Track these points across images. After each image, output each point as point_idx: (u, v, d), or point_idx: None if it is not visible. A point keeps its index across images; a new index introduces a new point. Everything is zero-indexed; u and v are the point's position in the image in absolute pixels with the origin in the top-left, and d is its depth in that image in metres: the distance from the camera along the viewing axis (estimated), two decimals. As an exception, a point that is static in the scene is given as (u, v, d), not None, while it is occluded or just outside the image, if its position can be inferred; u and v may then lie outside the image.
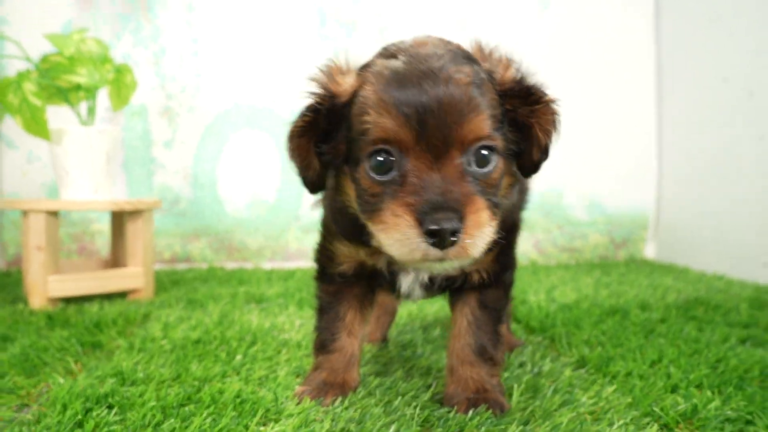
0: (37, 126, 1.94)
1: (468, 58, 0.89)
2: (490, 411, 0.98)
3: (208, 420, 0.95)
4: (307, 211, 2.96)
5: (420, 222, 0.77)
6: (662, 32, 2.99)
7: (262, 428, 0.93)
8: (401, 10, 2.94)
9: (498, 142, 0.85)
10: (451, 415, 0.99)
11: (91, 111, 2.12)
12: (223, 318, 1.71)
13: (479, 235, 0.79)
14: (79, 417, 0.96)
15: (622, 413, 0.98)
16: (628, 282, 2.33)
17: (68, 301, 2.00)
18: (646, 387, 1.09)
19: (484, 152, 0.83)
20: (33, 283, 1.91)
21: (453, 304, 1.11)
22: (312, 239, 2.88)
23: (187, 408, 1.01)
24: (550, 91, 0.93)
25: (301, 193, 2.95)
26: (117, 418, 0.96)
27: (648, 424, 0.95)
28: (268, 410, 1.01)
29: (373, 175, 0.83)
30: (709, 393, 1.05)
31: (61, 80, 2.03)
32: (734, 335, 1.47)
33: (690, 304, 1.85)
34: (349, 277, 1.09)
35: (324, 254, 1.13)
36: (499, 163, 0.85)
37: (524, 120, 0.91)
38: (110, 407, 1.01)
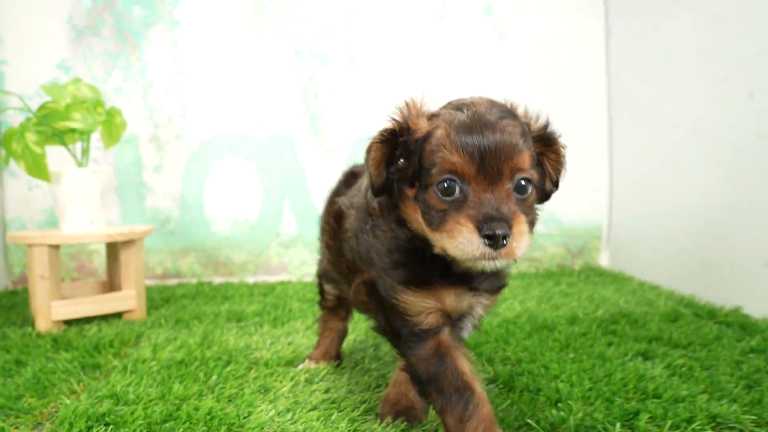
0: (38, 170, 2.20)
1: (512, 113, 1.08)
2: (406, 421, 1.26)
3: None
4: (286, 229, 3.22)
5: (479, 229, 0.96)
6: (611, 57, 3.24)
7: (224, 441, 1.19)
8: (368, 44, 3.19)
9: (534, 175, 1.07)
10: (375, 426, 1.26)
11: (86, 152, 2.38)
12: (205, 338, 1.98)
13: (522, 241, 0.99)
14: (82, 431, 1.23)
15: (499, 426, 1.25)
16: (573, 293, 2.60)
17: (70, 322, 2.26)
18: (534, 400, 1.36)
19: (524, 183, 1.04)
20: (39, 308, 2.17)
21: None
22: (291, 254, 3.17)
23: (168, 424, 1.27)
24: (562, 138, 1.17)
25: (281, 212, 3.22)
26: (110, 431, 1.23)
27: None
28: (232, 424, 1.27)
29: (440, 196, 1.03)
30: (581, 405, 1.32)
31: (58, 125, 2.28)
32: (635, 349, 1.73)
33: (614, 317, 2.12)
34: (438, 326, 1.15)
35: (396, 315, 1.16)
36: (533, 192, 1.07)
37: (542, 159, 1.14)
38: (107, 424, 1.27)
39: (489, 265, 0.99)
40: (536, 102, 3.37)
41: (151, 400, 1.42)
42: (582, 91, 3.27)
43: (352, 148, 3.21)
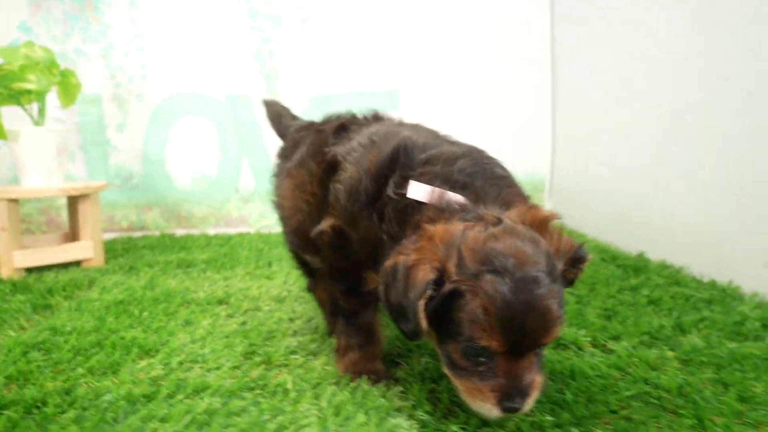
0: (-6, 129, 2.36)
1: (552, 272, 0.95)
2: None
3: (104, 356, 1.42)
4: (244, 184, 3.39)
5: (500, 403, 0.94)
6: (556, 9, 3.35)
7: (135, 364, 1.39)
8: (321, 5, 3.30)
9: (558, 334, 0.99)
10: (271, 348, 1.46)
11: (41, 112, 2.53)
12: (150, 282, 2.17)
13: (535, 395, 0.98)
14: (18, 357, 1.43)
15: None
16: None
17: (32, 270, 2.46)
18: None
19: (541, 349, 0.98)
20: (0, 256, 2.36)
21: None
22: (250, 208, 3.35)
23: (93, 349, 1.48)
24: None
25: (239, 168, 3.39)
26: (43, 357, 1.43)
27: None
28: (149, 350, 1.48)
29: (464, 355, 0.96)
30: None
31: (13, 87, 2.43)
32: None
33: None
34: (373, 293, 1.24)
35: (350, 273, 1.27)
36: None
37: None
38: (40, 350, 1.48)
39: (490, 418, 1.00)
40: (478, 53, 3.36)
41: (85, 332, 1.62)
42: (526, 44, 3.36)
43: (308, 106, 3.35)
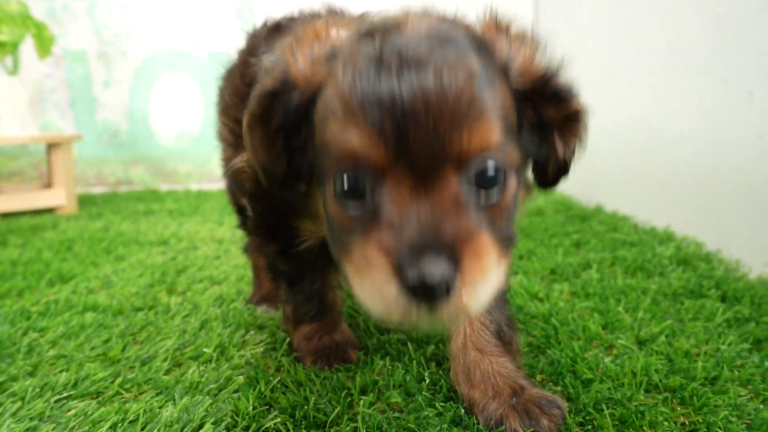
0: (-35, 78, 2.45)
1: (475, 41, 0.63)
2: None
3: (20, 281, 1.49)
4: (227, 140, 3.44)
5: (399, 271, 0.55)
6: (540, 15, 3.27)
7: (47, 290, 1.46)
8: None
9: (511, 156, 0.62)
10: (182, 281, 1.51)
11: (15, 63, 2.61)
12: (105, 226, 2.25)
13: (482, 286, 0.57)
14: (-58, 281, 1.51)
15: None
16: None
17: (8, 216, 2.56)
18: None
19: (491, 171, 0.60)
20: (-25, 201, 2.47)
21: None
22: (229, 164, 3.40)
23: (17, 276, 1.55)
24: (580, 93, 0.72)
25: (221, 124, 3.43)
26: (-35, 281, 1.52)
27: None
28: (73, 277, 1.54)
29: (340, 201, 0.62)
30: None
31: (-13, 38, 2.51)
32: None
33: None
34: (316, 251, 0.91)
35: (280, 227, 0.92)
36: (512, 184, 0.63)
37: (546, 123, 0.71)
38: (-34, 276, 1.56)
39: (424, 327, 0.60)
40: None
41: (17, 262, 1.69)
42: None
43: (287, 63, 3.36)
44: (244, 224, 1.19)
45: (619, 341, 1.04)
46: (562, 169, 0.74)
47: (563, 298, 1.30)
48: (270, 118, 0.68)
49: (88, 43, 3.32)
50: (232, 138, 1.05)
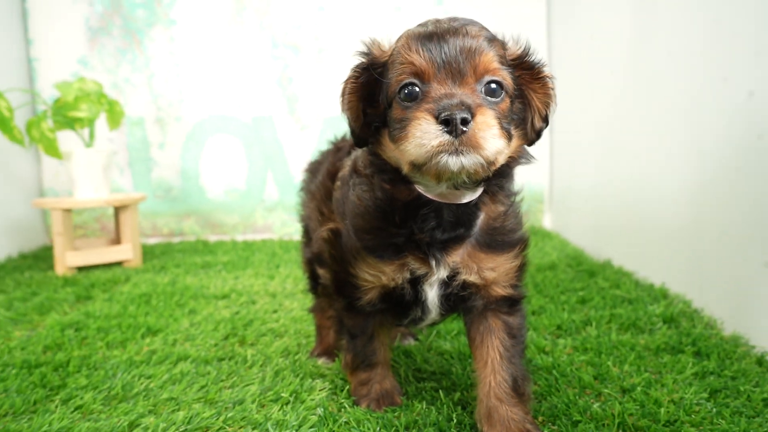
0: (52, 151, 2.85)
1: (478, 23, 1.04)
2: None
3: (119, 334, 1.81)
4: (269, 195, 3.80)
5: (436, 116, 0.90)
6: (553, 40, 3.60)
7: (142, 341, 1.78)
8: (334, 35, 3.68)
9: (506, 79, 0.99)
10: (241, 350, 1.82)
11: (91, 135, 3.01)
12: (172, 279, 2.59)
13: (489, 132, 0.92)
14: (56, 333, 1.84)
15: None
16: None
17: (83, 268, 2.92)
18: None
19: (494, 85, 0.98)
20: (57, 256, 2.83)
21: (476, 334, 1.18)
22: (274, 217, 3.75)
23: (113, 329, 1.88)
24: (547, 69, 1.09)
25: (264, 181, 3.80)
26: (74, 333, 1.85)
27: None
28: (158, 330, 1.87)
29: (402, 103, 0.97)
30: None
31: (69, 115, 2.91)
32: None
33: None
34: (376, 305, 1.19)
35: (346, 284, 1.19)
36: (506, 98, 1.00)
37: (527, 91, 1.06)
38: (72, 328, 1.89)
39: (454, 163, 0.91)
40: None
41: (110, 317, 2.03)
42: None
43: (323, 126, 3.73)
44: (314, 288, 1.59)
45: (606, 390, 1.32)
46: (544, 121, 1.08)
47: (566, 352, 1.58)
48: (358, 86, 1.08)
49: (146, 110, 3.73)
50: (318, 216, 1.40)
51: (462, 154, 0.90)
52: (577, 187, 3.29)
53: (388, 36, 1.12)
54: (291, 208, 3.76)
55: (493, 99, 0.98)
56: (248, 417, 1.24)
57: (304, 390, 1.37)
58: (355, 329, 1.27)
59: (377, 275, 1.13)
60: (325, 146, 1.60)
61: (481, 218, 1.11)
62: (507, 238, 1.12)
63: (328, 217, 1.33)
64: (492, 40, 1.02)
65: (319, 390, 1.38)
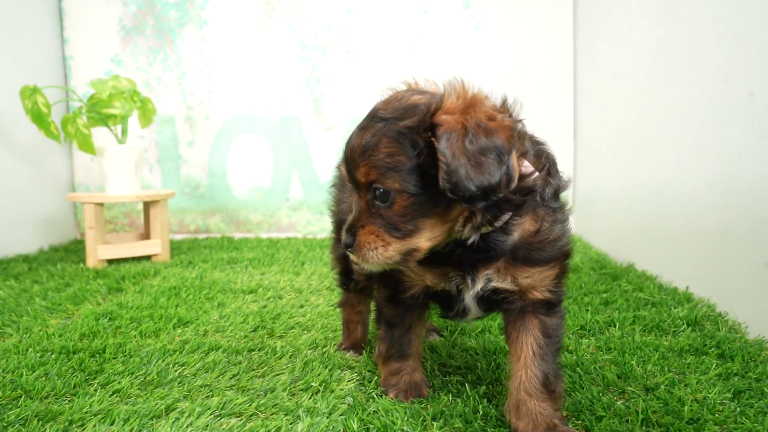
0: (86, 146, 2.93)
1: (379, 117, 1.05)
2: None
3: (151, 324, 1.87)
4: (294, 194, 3.86)
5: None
6: (578, 42, 3.62)
7: (174, 331, 1.84)
8: (362, 37, 3.73)
9: (389, 184, 1.02)
10: (269, 341, 1.87)
11: (124, 132, 3.09)
12: (200, 274, 2.65)
13: (364, 250, 1.07)
14: (91, 321, 1.91)
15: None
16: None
17: (112, 261, 3.00)
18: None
19: (379, 192, 1.04)
20: (88, 249, 2.91)
21: (513, 330, 1.20)
22: (299, 216, 3.80)
23: (146, 319, 1.94)
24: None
25: (289, 180, 3.85)
26: (109, 322, 1.91)
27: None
28: (188, 322, 1.92)
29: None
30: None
31: (102, 112, 2.99)
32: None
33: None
34: (419, 299, 1.25)
35: (391, 277, 1.26)
36: (398, 199, 1.03)
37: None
38: (105, 317, 1.96)
39: (361, 266, 1.14)
40: (508, 84, 3.71)
41: (142, 308, 2.09)
42: (550, 73, 3.67)
43: (349, 126, 3.78)
44: (345, 284, 1.63)
45: (629, 388, 1.34)
46: (447, 185, 0.97)
47: (589, 351, 1.60)
48: None
49: (177, 108, 3.81)
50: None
51: (360, 262, 1.09)
52: (600, 192, 3.30)
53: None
54: (315, 207, 3.82)
55: (383, 204, 1.04)
56: (279, 404, 1.28)
57: (334, 380, 1.41)
58: (395, 319, 1.31)
59: (421, 276, 1.19)
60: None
61: (515, 236, 1.11)
62: (543, 253, 1.12)
63: None
64: (380, 143, 1.02)
65: (348, 380, 1.42)
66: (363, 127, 1.07)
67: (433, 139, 0.98)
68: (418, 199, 1.02)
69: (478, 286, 1.12)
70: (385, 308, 1.33)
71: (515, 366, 1.18)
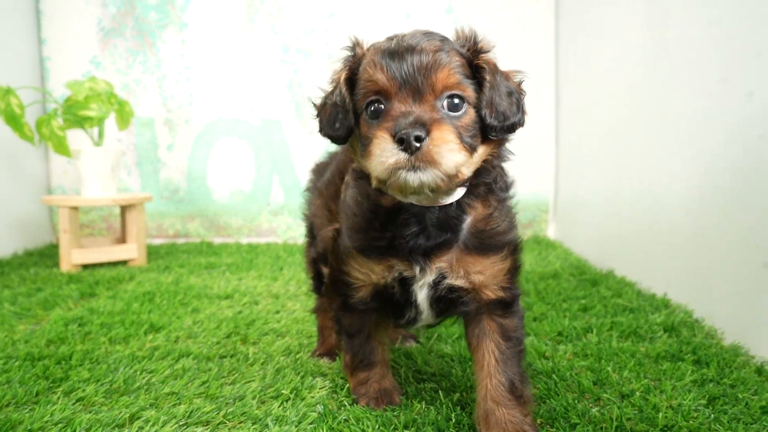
0: (61, 149, 2.87)
1: (437, 35, 1.07)
2: None
3: (122, 330, 1.83)
4: (275, 199, 3.82)
5: (394, 135, 0.94)
6: (560, 48, 3.62)
7: (144, 337, 1.79)
8: (344, 41, 3.70)
9: (467, 92, 1.03)
10: (241, 346, 1.83)
11: (101, 134, 3.04)
12: (176, 279, 2.60)
13: (444, 147, 0.94)
14: (60, 327, 1.86)
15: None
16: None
17: (87, 266, 2.94)
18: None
19: (456, 100, 1.01)
20: (62, 254, 2.85)
21: (473, 337, 1.19)
22: (279, 221, 3.77)
23: (116, 325, 1.89)
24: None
25: (270, 185, 3.82)
26: (78, 328, 1.86)
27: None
28: (160, 327, 1.88)
29: (369, 120, 1.03)
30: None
31: (79, 114, 2.94)
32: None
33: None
34: (369, 303, 1.23)
35: (340, 282, 1.23)
36: (469, 111, 1.03)
37: (479, 77, 1.06)
38: (75, 323, 1.91)
39: (412, 179, 0.95)
40: None
41: (113, 313, 2.04)
42: (532, 78, 3.66)
43: (331, 131, 3.75)
44: (318, 289, 1.59)
45: (605, 395, 1.32)
46: (488, 107, 1.06)
47: (566, 357, 1.58)
48: (347, 78, 1.12)
49: (156, 111, 3.76)
50: (326, 213, 1.44)
51: (419, 170, 0.94)
52: (582, 198, 3.30)
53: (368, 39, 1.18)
54: (296, 211, 3.78)
55: (455, 113, 1.01)
56: (248, 412, 1.25)
57: (305, 387, 1.38)
58: (352, 328, 1.30)
59: (367, 273, 1.17)
60: (332, 148, 1.59)
61: (468, 221, 1.12)
62: (494, 240, 1.12)
63: (335, 215, 1.36)
64: (450, 50, 1.03)
65: (320, 388, 1.39)
66: (425, 33, 1.06)
67: (481, 60, 1.08)
68: (478, 117, 1.05)
69: (430, 277, 1.11)
70: (342, 318, 1.31)
71: (479, 375, 1.17)
